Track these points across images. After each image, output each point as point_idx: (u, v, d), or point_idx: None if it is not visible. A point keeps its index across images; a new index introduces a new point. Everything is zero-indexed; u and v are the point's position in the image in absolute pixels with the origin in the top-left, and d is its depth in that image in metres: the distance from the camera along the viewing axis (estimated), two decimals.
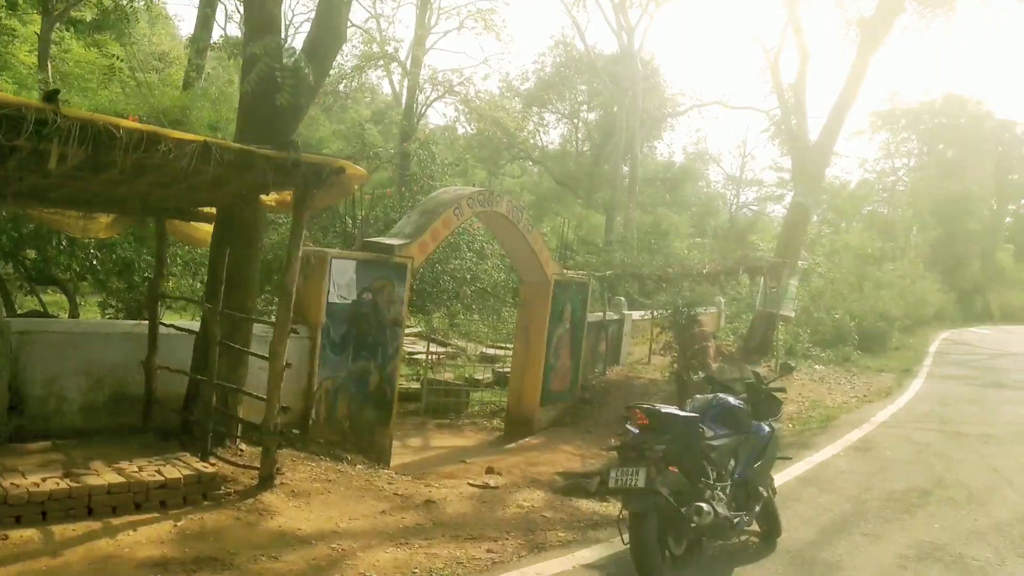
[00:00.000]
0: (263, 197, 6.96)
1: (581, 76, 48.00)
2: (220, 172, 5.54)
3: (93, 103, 14.95)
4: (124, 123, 4.82)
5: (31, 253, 9.33)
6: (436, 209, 10.38)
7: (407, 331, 19.36)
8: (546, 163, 50.81)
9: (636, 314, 16.00)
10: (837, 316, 20.87)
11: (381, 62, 35.60)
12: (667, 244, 31.94)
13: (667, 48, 71.14)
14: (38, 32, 19.36)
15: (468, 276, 13.07)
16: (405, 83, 35.98)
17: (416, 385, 14.55)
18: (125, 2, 17.57)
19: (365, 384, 9.58)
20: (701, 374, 11.49)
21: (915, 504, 7.89)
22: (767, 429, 6.22)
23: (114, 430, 7.61)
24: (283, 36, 8.01)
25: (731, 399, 6.14)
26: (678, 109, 45.28)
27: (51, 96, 4.53)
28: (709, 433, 5.74)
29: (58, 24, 19.80)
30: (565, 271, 12.72)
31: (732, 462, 5.95)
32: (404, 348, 18.64)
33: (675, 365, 12.08)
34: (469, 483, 7.81)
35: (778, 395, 6.54)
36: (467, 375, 16.08)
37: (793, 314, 17.49)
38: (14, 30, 19.91)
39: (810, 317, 21.35)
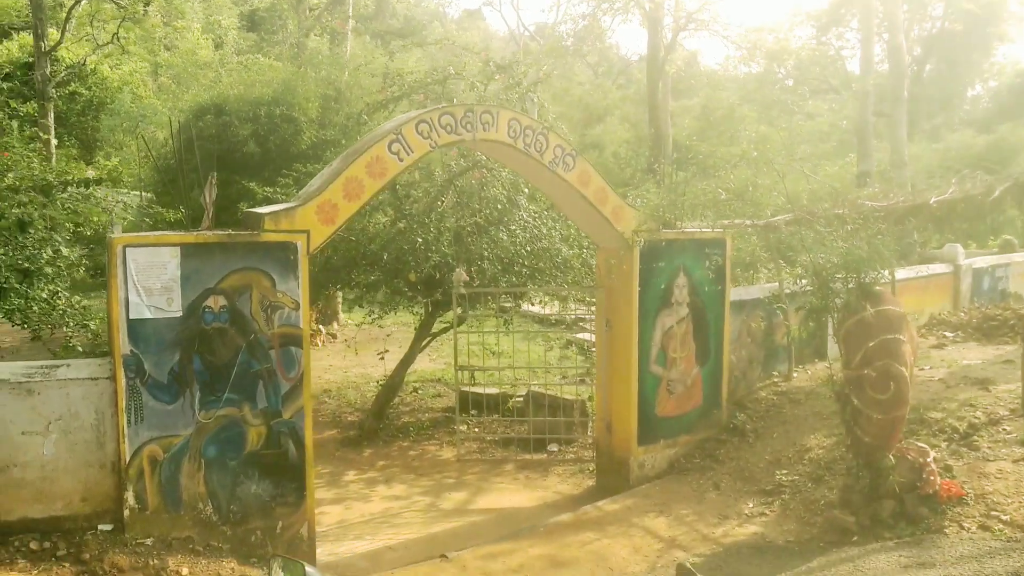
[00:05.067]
0: None
1: None
2: None
3: None
4: None
5: None
6: (359, 148, 6.38)
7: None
8: (853, 94, 42.30)
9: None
10: None
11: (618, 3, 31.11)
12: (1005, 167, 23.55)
13: None
14: None
15: (527, 249, 8.68)
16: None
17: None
18: None
19: (237, 443, 5.96)
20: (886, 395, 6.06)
21: None
22: None
23: None
24: None
25: None
26: None
27: None
28: None
29: None
30: (674, 221, 7.81)
31: None
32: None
33: (835, 379, 6.63)
34: None
35: None
36: None
37: None
38: None
39: None
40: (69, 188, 6.64)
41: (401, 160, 6.39)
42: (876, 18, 19.35)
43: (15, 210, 6.31)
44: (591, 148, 33.08)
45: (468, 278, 8.14)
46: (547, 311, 15.04)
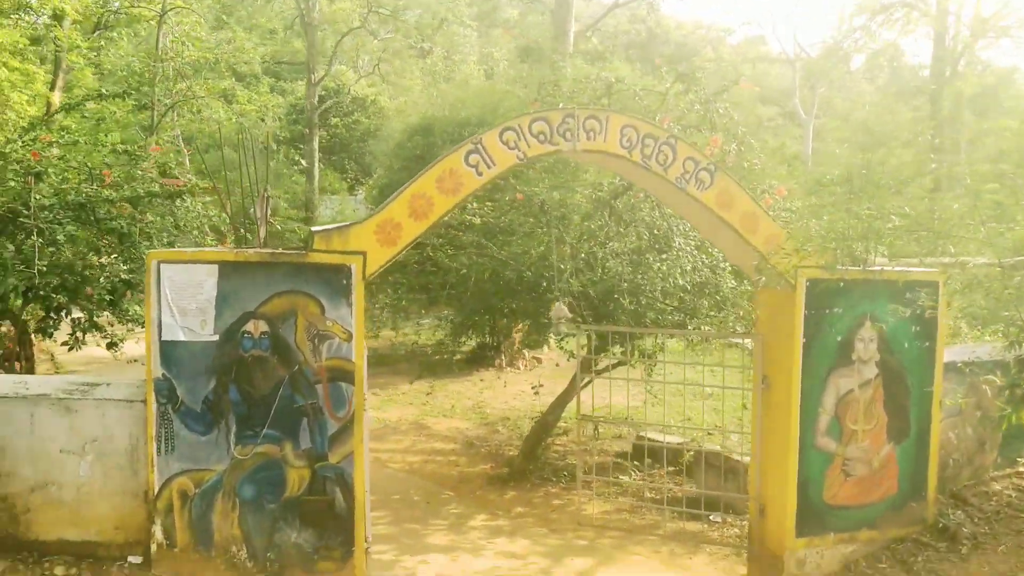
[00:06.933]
0: None
1: None
2: None
3: None
4: None
5: None
6: (433, 162, 5.51)
7: None
8: None
9: None
10: None
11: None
12: None
13: None
14: None
15: (681, 282, 7.16)
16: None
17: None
18: None
19: (276, 485, 5.33)
20: None
21: None
22: None
23: None
24: None
25: None
26: None
27: None
28: None
29: None
30: (859, 255, 6.01)
31: None
32: None
33: None
34: None
35: None
36: None
37: None
38: None
39: None
40: (155, 200, 6.49)
41: (480, 174, 5.42)
42: None
43: (113, 222, 6.26)
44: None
45: (571, 314, 6.91)
46: None
